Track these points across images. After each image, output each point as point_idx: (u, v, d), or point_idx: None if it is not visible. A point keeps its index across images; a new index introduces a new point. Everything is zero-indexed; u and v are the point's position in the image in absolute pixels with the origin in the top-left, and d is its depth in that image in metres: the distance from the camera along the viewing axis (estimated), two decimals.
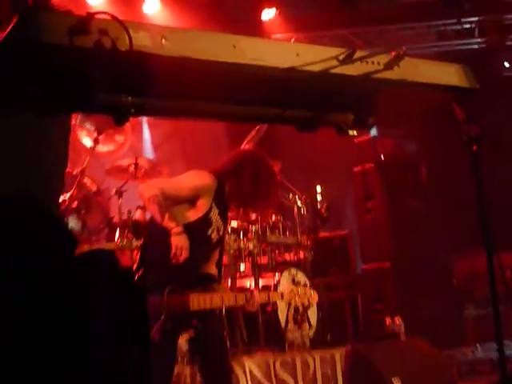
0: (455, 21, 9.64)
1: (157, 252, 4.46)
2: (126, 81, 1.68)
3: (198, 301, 4.33)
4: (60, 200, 6.48)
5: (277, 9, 9.27)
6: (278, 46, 1.89)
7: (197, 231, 4.44)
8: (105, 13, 1.59)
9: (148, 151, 9.23)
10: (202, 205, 4.48)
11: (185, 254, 4.25)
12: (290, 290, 5.05)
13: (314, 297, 5.11)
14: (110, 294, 1.43)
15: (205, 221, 4.49)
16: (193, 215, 4.46)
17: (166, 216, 4.29)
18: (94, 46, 1.56)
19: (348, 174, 8.64)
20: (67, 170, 7.32)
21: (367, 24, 9.68)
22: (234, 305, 4.69)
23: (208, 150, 9.60)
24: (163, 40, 1.66)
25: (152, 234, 4.56)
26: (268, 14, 9.29)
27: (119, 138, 7.74)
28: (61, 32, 1.54)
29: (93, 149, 7.04)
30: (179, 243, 4.26)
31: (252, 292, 4.74)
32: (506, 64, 9.61)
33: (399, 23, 9.70)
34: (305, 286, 5.94)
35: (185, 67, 1.70)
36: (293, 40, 9.42)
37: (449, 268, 8.31)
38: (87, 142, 7.27)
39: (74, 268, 1.44)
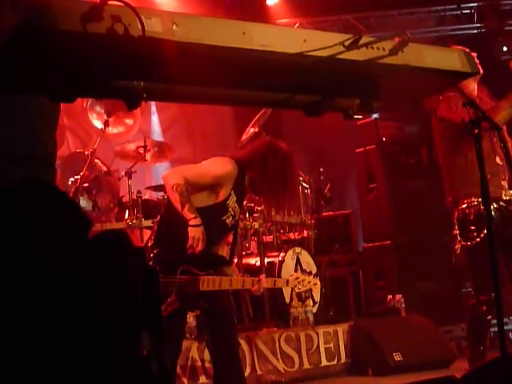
0: (455, 6, 9.62)
1: (172, 233, 4.46)
2: (138, 66, 1.68)
3: (208, 282, 4.34)
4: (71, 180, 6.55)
5: None
6: (285, 32, 1.88)
7: (213, 216, 4.44)
8: (117, 0, 1.58)
9: (156, 133, 9.22)
10: (222, 192, 4.46)
11: (201, 246, 4.26)
12: (295, 278, 5.05)
13: (317, 285, 5.10)
14: (123, 276, 1.42)
15: (222, 207, 4.47)
16: (211, 200, 4.46)
17: (186, 206, 4.29)
18: (106, 32, 1.55)
19: (351, 156, 8.63)
20: (79, 150, 7.36)
21: (369, 9, 9.63)
22: (241, 288, 4.70)
23: (215, 132, 9.61)
24: (174, 26, 1.65)
25: (169, 217, 4.55)
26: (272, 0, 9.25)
27: (129, 120, 7.74)
28: (74, 18, 1.53)
29: (103, 131, 7.05)
30: (196, 235, 4.27)
31: (260, 278, 4.75)
32: (505, 48, 9.55)
33: (400, 8, 9.66)
34: (309, 273, 5.93)
35: (195, 53, 1.70)
36: (297, 25, 9.41)
37: (448, 247, 8.30)
38: (97, 124, 7.29)
39: (88, 249, 1.44)
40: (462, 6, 9.59)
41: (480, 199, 4.67)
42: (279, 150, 4.65)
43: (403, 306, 7.27)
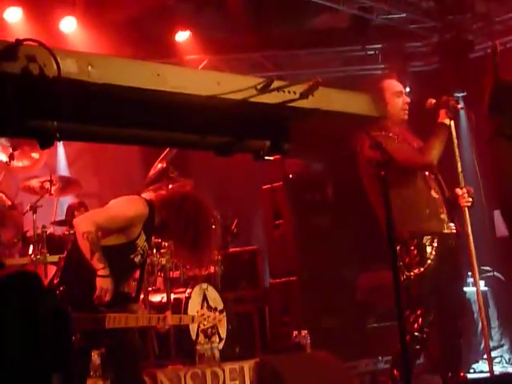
0: (360, 47, 9.82)
1: (79, 271, 4.40)
2: (52, 106, 1.67)
3: (114, 320, 4.29)
4: None
5: (190, 31, 9.26)
6: (200, 75, 1.92)
7: (121, 255, 4.42)
8: (33, 40, 1.58)
9: (62, 167, 9.09)
10: (132, 232, 4.45)
11: (108, 297, 4.23)
12: (201, 315, 5.05)
13: (222, 321, 5.11)
14: (35, 318, 1.40)
15: (131, 246, 4.46)
16: (120, 240, 4.43)
17: (96, 255, 4.25)
18: (21, 71, 1.55)
19: (257, 192, 8.66)
20: None
21: (277, 48, 9.77)
22: (147, 325, 4.67)
23: (121, 167, 9.53)
24: (90, 67, 1.66)
25: (76, 255, 4.47)
26: (182, 35, 9.28)
27: (34, 154, 7.62)
28: None
29: (8, 164, 6.91)
30: (104, 285, 4.24)
31: (165, 315, 4.73)
32: (407, 89, 9.84)
33: (307, 48, 9.83)
34: (215, 309, 5.93)
35: (110, 93, 1.71)
36: (205, 62, 9.46)
37: (352, 282, 8.43)
38: (2, 157, 7.13)
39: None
40: (366, 47, 9.81)
41: (423, 236, 4.76)
42: (196, 205, 4.64)
43: (309, 341, 7.30)
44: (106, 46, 8.22)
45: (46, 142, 1.70)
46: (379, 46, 9.86)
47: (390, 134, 4.85)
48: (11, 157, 6.84)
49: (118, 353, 4.43)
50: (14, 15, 7.98)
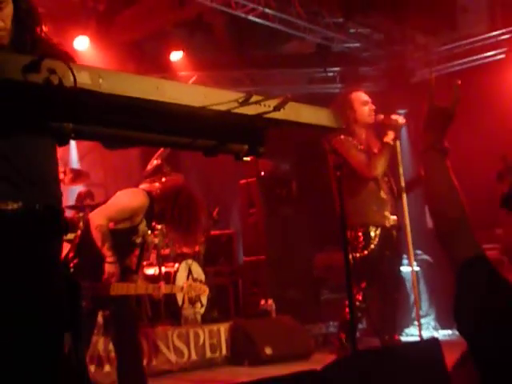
0: (322, 69, 9.85)
1: (90, 248, 4.38)
2: (68, 111, 1.65)
3: (117, 288, 4.29)
4: None
5: (183, 51, 9.23)
6: (192, 89, 1.90)
7: (125, 236, 4.42)
8: (53, 56, 1.56)
9: (74, 161, 9.01)
10: (136, 219, 4.45)
11: (114, 280, 4.24)
12: (189, 285, 5.04)
13: (205, 291, 5.10)
14: (52, 287, 1.39)
15: (133, 230, 4.46)
16: (125, 225, 4.43)
17: (106, 245, 4.24)
18: (43, 82, 1.53)
19: (235, 186, 8.67)
20: None
21: (255, 67, 9.77)
22: (144, 293, 4.66)
23: (123, 162, 9.45)
24: (100, 79, 1.64)
25: (89, 236, 4.46)
26: (176, 55, 9.24)
27: None
28: (16, 69, 1.51)
29: None
30: (111, 270, 4.25)
31: (159, 285, 4.73)
32: None
33: (279, 68, 9.84)
34: (200, 281, 5.92)
35: (117, 102, 1.69)
36: (194, 77, 9.42)
37: (310, 261, 8.46)
38: None
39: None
40: (327, 69, 9.84)
41: (369, 226, 4.78)
42: (188, 196, 4.63)
43: (274, 308, 7.35)
44: (113, 62, 8.17)
45: (63, 141, 1.68)
46: (338, 69, 9.90)
47: (351, 139, 4.87)
48: None
49: (119, 315, 4.43)
50: None
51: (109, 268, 4.24)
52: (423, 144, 1.76)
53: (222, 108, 1.91)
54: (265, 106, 2.04)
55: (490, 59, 8.73)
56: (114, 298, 4.30)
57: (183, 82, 1.97)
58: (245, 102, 1.96)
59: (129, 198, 4.47)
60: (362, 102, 5.05)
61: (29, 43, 2.33)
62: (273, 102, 2.05)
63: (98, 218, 4.33)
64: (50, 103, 1.59)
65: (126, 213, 4.40)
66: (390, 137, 4.88)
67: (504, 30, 8.51)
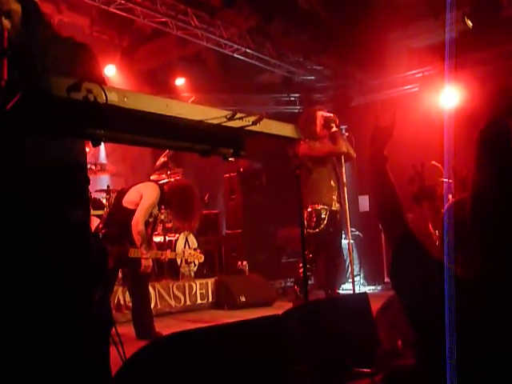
0: (286, 94, 9.83)
1: (115, 222, 4.33)
2: (101, 121, 1.62)
3: (134, 252, 4.24)
4: None
5: (185, 78, 9.15)
6: (193, 107, 1.87)
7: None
8: (91, 80, 1.53)
9: (102, 157, 8.87)
10: (154, 210, 4.39)
11: (149, 270, 4.20)
12: (189, 253, 5.01)
13: (200, 257, 5.08)
14: (88, 253, 1.37)
15: (150, 214, 4.41)
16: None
17: (143, 245, 4.19)
18: (82, 99, 1.50)
19: (221, 178, 8.64)
20: None
21: (237, 92, 9.72)
22: (155, 257, 4.62)
23: (139, 159, 9.34)
24: (125, 98, 1.62)
25: (116, 213, 4.38)
26: (180, 81, 9.15)
27: (87, 148, 7.41)
28: (63, 88, 1.47)
29: None
30: (147, 264, 4.23)
31: (167, 251, 4.70)
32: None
33: (255, 93, 9.80)
34: (195, 249, 5.88)
35: (138, 115, 1.66)
36: (193, 98, 9.34)
37: (274, 234, 8.47)
38: None
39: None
40: (290, 94, 9.83)
41: (319, 206, 4.71)
42: (189, 191, 4.56)
43: (247, 268, 7.36)
44: (134, 85, 8.06)
45: (96, 143, 1.64)
46: (298, 95, 9.88)
47: (316, 142, 4.77)
48: None
49: (135, 272, 4.38)
50: None
51: (145, 262, 4.19)
52: (370, 153, 1.77)
53: (215, 122, 1.89)
54: (246, 121, 2.02)
55: (408, 91, 8.80)
56: (132, 259, 4.27)
57: (185, 102, 1.94)
58: (231, 118, 1.95)
59: (149, 195, 4.34)
60: (322, 117, 4.97)
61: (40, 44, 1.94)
62: (251, 119, 2.04)
63: (139, 225, 4.20)
64: (88, 114, 1.56)
65: (151, 207, 4.32)
66: (334, 127, 4.83)
67: (418, 70, 8.58)
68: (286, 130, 2.23)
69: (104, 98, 1.53)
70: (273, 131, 2.15)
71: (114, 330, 1.47)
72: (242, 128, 1.99)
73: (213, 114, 1.90)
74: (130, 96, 1.64)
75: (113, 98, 1.57)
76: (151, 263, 4.25)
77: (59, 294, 1.30)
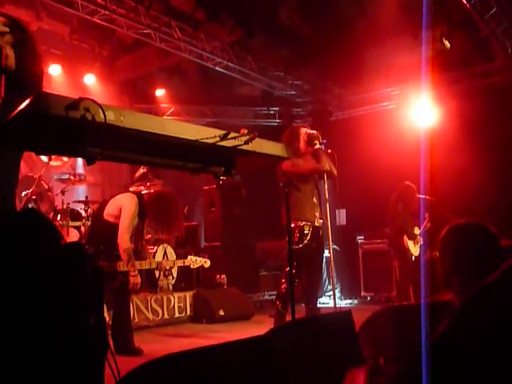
0: (265, 108, 9.87)
1: (100, 236, 4.25)
2: (97, 139, 1.60)
3: (123, 265, 4.19)
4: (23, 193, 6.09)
5: (165, 89, 9.12)
6: (187, 126, 1.87)
7: None
8: (89, 99, 1.51)
9: (80, 167, 8.71)
10: (134, 220, 4.34)
11: (138, 287, 4.14)
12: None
13: (206, 262, 5.04)
14: (83, 276, 1.34)
15: None
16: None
17: (131, 262, 4.13)
18: (80, 117, 1.48)
19: (201, 190, 8.60)
20: (30, 174, 6.84)
21: (216, 104, 9.71)
22: (149, 267, 4.56)
23: (116, 169, 9.21)
24: (122, 117, 1.60)
25: (98, 228, 4.30)
26: (160, 92, 9.11)
27: (64, 158, 7.34)
28: (61, 107, 1.45)
29: (47, 163, 6.66)
30: (135, 281, 4.17)
31: (162, 261, 4.65)
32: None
33: (234, 106, 9.81)
34: (172, 261, 5.83)
35: (134, 134, 1.65)
36: (172, 109, 9.31)
37: (252, 247, 8.46)
38: (44, 158, 6.84)
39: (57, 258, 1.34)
40: (269, 108, 9.87)
41: (302, 222, 4.67)
42: (169, 199, 4.51)
43: (225, 281, 7.31)
44: (113, 95, 8.00)
45: (92, 161, 1.63)
46: (277, 108, 9.93)
47: (299, 159, 4.74)
48: (49, 158, 6.59)
49: (121, 286, 4.28)
50: (55, 70, 7.63)
51: (133, 279, 4.14)
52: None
53: (209, 141, 1.89)
54: (238, 140, 2.03)
55: (385, 107, 8.95)
56: (120, 273, 4.18)
57: (181, 122, 1.93)
58: (224, 138, 1.95)
59: (128, 209, 4.25)
60: (306, 134, 4.93)
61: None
62: (244, 138, 2.04)
63: (124, 243, 4.12)
64: (85, 133, 1.54)
65: (132, 220, 4.23)
66: (317, 145, 4.81)
67: (395, 88, 8.74)
68: (276, 149, 2.25)
69: (102, 116, 1.51)
70: (264, 150, 2.16)
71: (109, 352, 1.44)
72: (235, 147, 2.00)
73: (206, 134, 1.90)
74: (127, 115, 1.63)
75: (110, 117, 1.56)
76: (139, 280, 4.18)
77: (54, 319, 1.26)
